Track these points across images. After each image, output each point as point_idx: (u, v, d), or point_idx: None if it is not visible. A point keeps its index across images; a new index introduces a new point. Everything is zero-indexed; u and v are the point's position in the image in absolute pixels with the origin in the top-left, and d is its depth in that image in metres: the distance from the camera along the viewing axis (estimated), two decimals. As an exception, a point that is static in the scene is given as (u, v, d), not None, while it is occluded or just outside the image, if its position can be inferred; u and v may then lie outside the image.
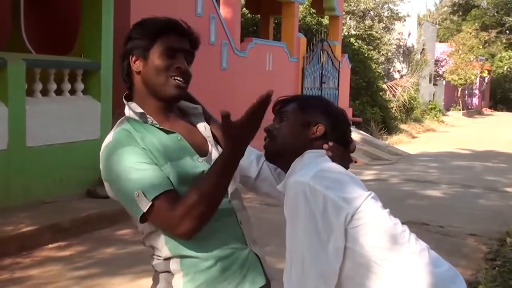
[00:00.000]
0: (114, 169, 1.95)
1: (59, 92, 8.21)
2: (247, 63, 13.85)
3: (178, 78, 2.05)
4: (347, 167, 2.07)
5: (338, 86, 18.95)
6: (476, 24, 43.25)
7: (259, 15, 19.39)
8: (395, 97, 26.33)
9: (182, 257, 2.00)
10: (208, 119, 2.21)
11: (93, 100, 8.60)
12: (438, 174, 13.45)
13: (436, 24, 44.44)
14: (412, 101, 27.57)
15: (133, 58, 2.08)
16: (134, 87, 2.10)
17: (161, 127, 2.04)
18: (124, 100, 2.12)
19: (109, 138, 2.03)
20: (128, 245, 6.60)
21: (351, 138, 2.18)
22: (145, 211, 1.90)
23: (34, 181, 7.55)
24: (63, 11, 9.80)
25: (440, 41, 43.89)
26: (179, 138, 2.05)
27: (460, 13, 50.88)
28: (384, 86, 25.98)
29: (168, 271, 2.04)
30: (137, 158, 1.94)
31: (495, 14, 49.72)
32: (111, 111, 8.86)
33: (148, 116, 2.05)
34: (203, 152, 2.09)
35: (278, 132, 2.10)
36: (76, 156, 8.22)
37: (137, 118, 2.06)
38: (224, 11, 13.38)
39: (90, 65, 8.57)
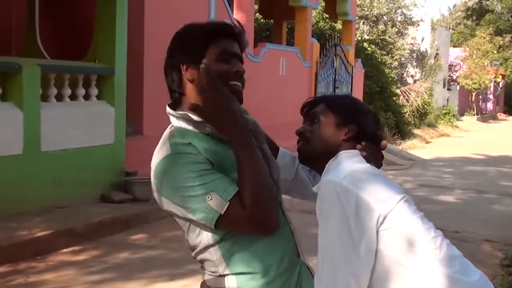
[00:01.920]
0: (178, 180, 1.87)
1: (73, 97, 8.25)
2: (261, 68, 13.85)
3: (237, 83, 2.00)
4: (380, 165, 2.06)
5: (351, 91, 18.90)
6: (490, 29, 43.04)
7: (272, 20, 19.41)
8: (408, 102, 26.27)
9: (239, 273, 1.93)
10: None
11: (107, 105, 8.62)
12: (452, 179, 13.39)
13: (449, 29, 44.28)
14: (425, 106, 27.49)
15: (184, 67, 1.99)
16: (185, 97, 2.02)
17: (217, 136, 1.96)
18: (169, 109, 2.05)
19: (165, 150, 1.93)
20: (142, 250, 6.62)
21: (381, 135, 2.16)
22: (222, 213, 1.82)
23: (49, 186, 7.58)
24: (78, 16, 9.86)
25: (454, 46, 43.75)
26: None
27: (474, 18, 50.66)
28: (398, 91, 25.93)
29: None
30: (201, 165, 1.87)
31: (510, 18, 49.44)
32: (125, 116, 8.90)
33: (206, 124, 1.96)
34: None
35: (311, 134, 2.09)
36: (90, 161, 8.25)
37: (190, 127, 1.98)
38: (237, 16, 13.40)
39: (104, 70, 8.60)
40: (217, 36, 2.01)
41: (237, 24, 2.08)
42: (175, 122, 2.03)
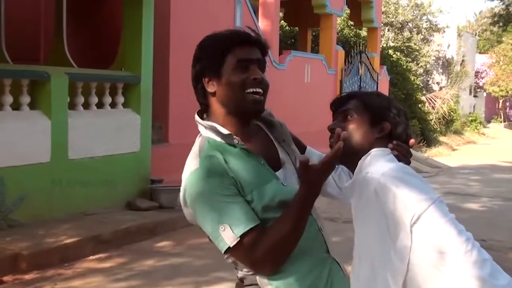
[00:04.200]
0: (202, 198, 1.91)
1: (100, 105, 8.33)
2: (286, 75, 13.86)
3: (256, 90, 1.99)
4: (409, 163, 2.06)
5: (376, 98, 18.82)
6: (517, 35, 42.59)
7: (297, 28, 19.43)
8: (434, 109, 26.11)
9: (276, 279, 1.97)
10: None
11: (133, 113, 8.69)
12: (479, 187, 13.26)
13: (476, 35, 43.95)
14: (452, 113, 27.32)
15: (206, 80, 2.01)
16: (211, 108, 2.05)
17: (245, 148, 1.99)
18: (198, 118, 2.07)
19: (195, 164, 1.95)
20: (167, 257, 6.64)
21: (411, 133, 2.17)
22: (231, 246, 1.88)
23: (76, 193, 7.65)
24: (104, 25, 9.96)
25: (480, 53, 43.41)
26: (262, 162, 2.02)
27: (501, 24, 50.00)
28: (423, 98, 25.79)
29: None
30: (225, 190, 1.90)
31: (537, 24, 48.85)
32: (150, 123, 8.96)
33: (234, 137, 1.99)
34: (278, 164, 2.09)
35: (344, 131, 2.07)
36: (117, 169, 8.31)
37: (218, 139, 2.01)
38: (262, 23, 13.44)
39: (130, 78, 8.67)
40: (233, 45, 2.00)
41: (255, 29, 2.08)
42: (203, 131, 2.05)
